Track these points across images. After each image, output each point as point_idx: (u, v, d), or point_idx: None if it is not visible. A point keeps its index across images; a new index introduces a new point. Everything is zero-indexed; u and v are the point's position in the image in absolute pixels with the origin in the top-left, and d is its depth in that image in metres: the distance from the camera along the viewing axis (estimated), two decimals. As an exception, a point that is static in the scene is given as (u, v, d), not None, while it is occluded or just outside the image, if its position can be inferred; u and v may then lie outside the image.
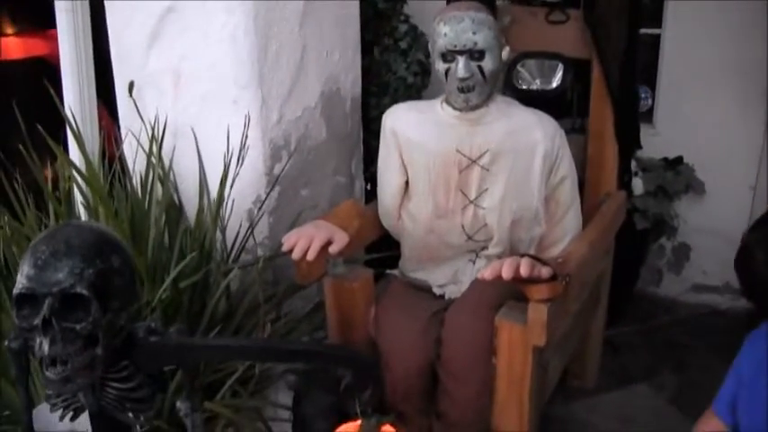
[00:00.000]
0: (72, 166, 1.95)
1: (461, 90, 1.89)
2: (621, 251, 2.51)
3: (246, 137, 1.93)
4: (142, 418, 1.29)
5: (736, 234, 3.04)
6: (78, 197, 2.04)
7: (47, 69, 3.23)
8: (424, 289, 2.15)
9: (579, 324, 2.26)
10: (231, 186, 1.92)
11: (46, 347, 1.11)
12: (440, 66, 1.91)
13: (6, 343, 1.27)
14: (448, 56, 1.88)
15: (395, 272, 2.25)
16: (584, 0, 2.32)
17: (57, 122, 2.22)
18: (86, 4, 2.37)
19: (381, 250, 2.27)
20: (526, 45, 2.47)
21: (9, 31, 3.24)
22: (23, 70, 3.28)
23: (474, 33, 1.84)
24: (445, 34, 1.86)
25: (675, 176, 2.89)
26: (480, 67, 1.88)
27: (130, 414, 1.27)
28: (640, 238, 2.90)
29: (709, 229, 3.04)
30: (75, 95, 2.38)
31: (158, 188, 2.02)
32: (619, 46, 2.26)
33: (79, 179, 2.00)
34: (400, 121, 2.06)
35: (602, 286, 2.48)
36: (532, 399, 1.84)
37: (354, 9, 2.37)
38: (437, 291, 2.14)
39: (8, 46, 3.24)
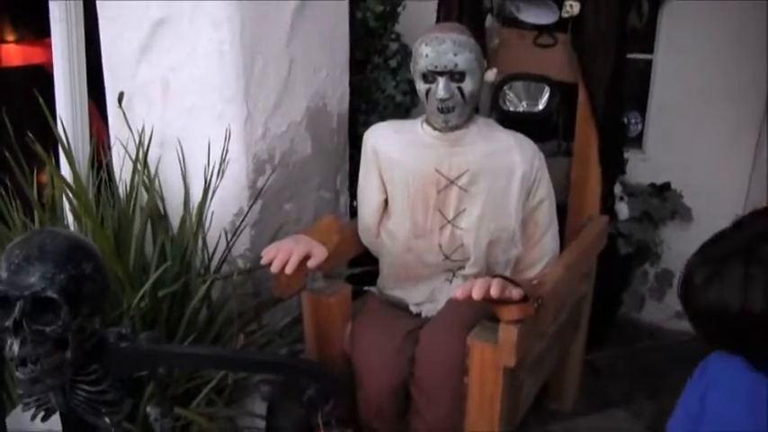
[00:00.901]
0: (62, 180, 1.99)
1: (441, 111, 1.92)
2: (604, 276, 2.53)
3: (227, 150, 1.96)
4: (109, 421, 1.31)
5: (721, 262, 3.09)
6: (67, 205, 2.07)
7: (44, 77, 3.29)
8: (401, 307, 2.17)
9: (556, 346, 2.27)
10: (211, 198, 1.94)
11: (16, 348, 1.14)
12: (420, 86, 1.95)
13: (-21, 344, 1.29)
14: (429, 76, 1.92)
15: (373, 289, 2.27)
16: (572, 24, 2.35)
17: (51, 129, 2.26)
18: (80, 13, 2.41)
19: (364, 266, 2.29)
20: (514, 67, 2.50)
21: (9, 38, 3.28)
22: (22, 77, 3.32)
23: (455, 55, 1.88)
24: (426, 55, 1.89)
25: (662, 202, 2.92)
26: (460, 89, 1.91)
27: (100, 416, 1.30)
28: (624, 264, 2.92)
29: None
30: (67, 104, 2.42)
31: (143, 196, 2.06)
32: (605, 70, 2.29)
33: (67, 190, 2.03)
34: (381, 139, 2.09)
35: (583, 309, 2.50)
36: (503, 419, 1.86)
37: (344, 27, 2.41)
38: (414, 309, 2.16)
39: (8, 53, 3.28)
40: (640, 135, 3.18)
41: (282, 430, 1.88)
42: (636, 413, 2.68)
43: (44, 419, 1.35)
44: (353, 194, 2.60)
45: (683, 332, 3.19)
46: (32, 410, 1.35)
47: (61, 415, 1.34)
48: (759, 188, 3.07)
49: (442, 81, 1.89)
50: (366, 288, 2.27)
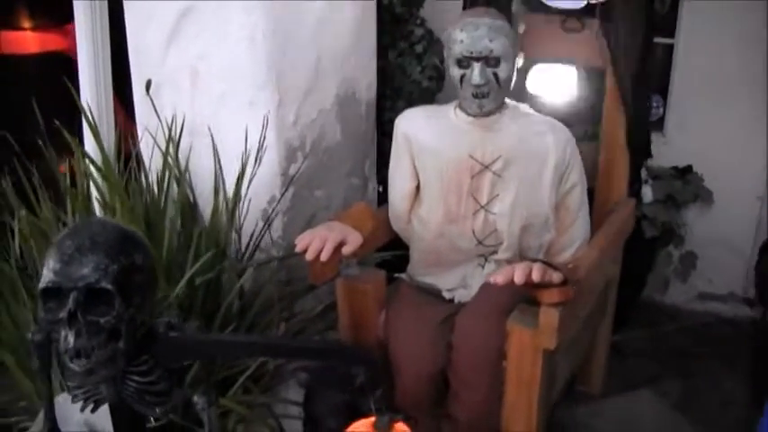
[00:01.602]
0: (87, 158, 1.98)
1: (476, 96, 1.91)
2: (629, 258, 2.53)
3: (264, 137, 1.96)
4: (159, 411, 1.32)
5: (743, 244, 3.10)
6: (94, 192, 2.07)
7: (64, 63, 3.28)
8: (432, 293, 2.18)
9: (587, 329, 2.28)
10: (248, 186, 1.94)
11: (71, 340, 1.14)
12: (455, 72, 1.93)
13: (30, 336, 1.30)
14: (463, 62, 1.90)
15: (403, 275, 2.27)
16: (600, 10, 2.33)
17: (73, 117, 2.26)
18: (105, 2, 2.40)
19: (392, 252, 2.29)
20: (541, 52, 2.48)
21: (26, 25, 3.27)
22: (40, 64, 3.31)
23: (490, 41, 1.87)
24: (461, 41, 1.88)
25: (684, 185, 2.91)
26: (495, 74, 1.90)
27: (150, 406, 1.30)
28: (648, 246, 2.92)
29: (715, 238, 3.07)
30: (92, 91, 2.42)
31: (174, 186, 2.05)
32: (633, 55, 2.28)
33: (95, 173, 2.03)
34: (413, 125, 2.08)
35: (610, 293, 2.49)
36: (541, 402, 1.87)
37: (371, 13, 2.40)
38: (446, 295, 2.16)
39: (25, 40, 3.27)
40: (661, 119, 3.17)
41: (321, 417, 1.89)
42: (663, 394, 2.69)
43: (93, 411, 1.35)
44: (380, 181, 2.60)
45: (706, 313, 3.21)
46: (80, 402, 1.36)
47: (110, 406, 1.34)
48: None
49: (477, 67, 1.88)
50: (396, 275, 2.27)
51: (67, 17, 3.23)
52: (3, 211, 2.03)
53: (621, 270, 2.50)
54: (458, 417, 1.96)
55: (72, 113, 2.24)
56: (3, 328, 1.88)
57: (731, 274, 3.13)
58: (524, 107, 2.08)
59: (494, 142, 1.98)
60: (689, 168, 3.00)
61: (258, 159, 1.95)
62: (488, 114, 1.97)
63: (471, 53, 1.88)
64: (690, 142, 3.04)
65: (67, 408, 1.76)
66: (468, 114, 1.99)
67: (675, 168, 3.00)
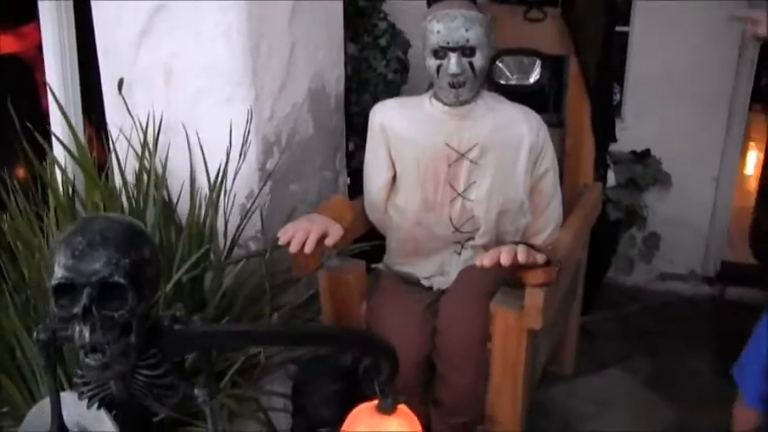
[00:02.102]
0: (72, 156, 1.96)
1: (452, 85, 1.96)
2: (594, 241, 2.60)
3: (249, 131, 1.97)
4: (167, 404, 1.32)
5: (701, 224, 3.22)
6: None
7: (19, 66, 3.22)
8: (411, 282, 2.21)
9: (561, 311, 2.34)
10: (234, 180, 1.95)
11: (87, 335, 1.14)
12: (431, 62, 1.97)
13: (35, 335, 1.29)
14: (440, 52, 1.94)
15: (380, 266, 2.30)
16: (563, -1, 2.40)
17: (32, 121, 2.22)
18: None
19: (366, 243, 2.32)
20: (504, 42, 2.53)
21: (-23, 28, 3.20)
22: (-5, 68, 3.24)
23: (466, 30, 1.91)
24: (438, 31, 1.92)
25: (644, 169, 3.01)
26: (471, 63, 1.94)
27: (159, 400, 1.30)
28: (612, 229, 3.01)
29: (674, 219, 3.18)
30: (61, 92, 2.38)
31: (152, 185, 2.04)
32: (596, 42, 2.35)
33: (70, 173, 2.01)
34: (389, 116, 2.12)
35: (579, 275, 2.57)
36: (526, 382, 1.92)
37: (339, 6, 2.42)
38: (425, 282, 2.20)
39: (-24, 44, 3.20)
40: (619, 104, 3.26)
41: (313, 407, 1.91)
42: (632, 371, 2.79)
43: (99, 407, 1.35)
44: (348, 173, 2.63)
45: (667, 293, 3.32)
46: (86, 400, 1.35)
47: (117, 402, 1.34)
48: (732, 154, 3.19)
49: (453, 57, 1.92)
50: (373, 266, 2.30)
51: (20, 19, 3.19)
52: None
53: (588, 253, 2.58)
54: (445, 401, 2.00)
55: (33, 116, 2.21)
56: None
57: (690, 253, 3.25)
58: (497, 96, 2.13)
59: (470, 131, 2.03)
60: (647, 152, 3.11)
61: (243, 154, 1.96)
62: (464, 103, 2.01)
63: (448, 43, 1.92)
64: (647, 127, 3.14)
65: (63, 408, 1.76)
66: (444, 104, 2.03)
67: (634, 153, 3.10)
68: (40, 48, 3.17)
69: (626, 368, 2.81)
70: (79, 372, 1.32)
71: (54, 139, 2.42)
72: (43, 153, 2.11)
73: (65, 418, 1.42)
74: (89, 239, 1.16)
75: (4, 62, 3.21)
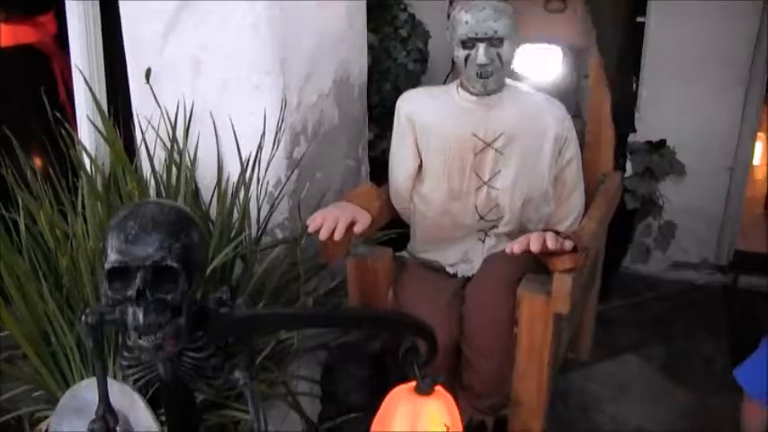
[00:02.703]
0: (109, 144, 1.99)
1: (480, 76, 1.98)
2: (611, 230, 2.63)
3: (282, 119, 1.99)
4: (213, 386, 1.36)
5: (715, 213, 3.25)
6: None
7: (36, 57, 3.24)
8: (436, 269, 2.25)
9: (581, 298, 2.38)
10: (267, 168, 1.98)
11: (141, 317, 1.17)
12: (459, 52, 2.00)
13: (83, 318, 1.32)
14: (468, 43, 1.97)
15: (404, 254, 2.33)
16: (584, -10, 2.42)
17: (47, 113, 2.25)
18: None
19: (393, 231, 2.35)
20: (525, 33, 2.55)
21: (-2, 18, 3.22)
22: (12, 58, 3.26)
23: (494, 21, 1.94)
24: (467, 22, 1.95)
25: (660, 159, 3.04)
26: (499, 54, 1.97)
27: (205, 382, 1.34)
28: (628, 218, 3.04)
29: (688, 208, 3.21)
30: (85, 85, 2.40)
31: (184, 174, 2.08)
32: (617, 33, 2.38)
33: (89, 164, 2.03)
34: (416, 106, 2.14)
35: (598, 263, 2.60)
36: (551, 367, 1.96)
37: (361, -3, 2.45)
38: (449, 270, 2.23)
39: (-1, 34, 3.22)
40: (635, 95, 3.29)
41: (343, 393, 1.95)
42: (648, 357, 2.83)
43: (144, 390, 1.39)
44: (369, 162, 2.66)
45: (680, 281, 3.35)
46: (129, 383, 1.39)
47: (162, 384, 1.38)
48: (746, 144, 3.22)
49: (482, 47, 1.95)
50: (397, 254, 2.33)
51: (37, 9, 3.21)
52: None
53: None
54: (472, 385, 2.04)
55: (52, 105, 2.23)
56: (21, 321, 1.89)
57: (704, 242, 3.29)
58: (523, 86, 2.16)
59: (496, 120, 2.06)
60: (662, 142, 3.13)
61: (276, 142, 1.99)
62: (491, 93, 2.04)
63: (476, 34, 1.95)
64: (662, 117, 3.17)
65: (88, 394, 1.79)
66: (471, 94, 2.06)
67: (649, 143, 3.13)
68: (55, 38, 3.21)
69: (642, 355, 2.85)
70: (126, 354, 1.36)
71: (79, 127, 2.47)
72: (63, 143, 2.15)
73: (91, 405, 1.45)
74: (141, 224, 1.20)
75: (21, 52, 3.24)
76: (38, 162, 2.65)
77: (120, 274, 1.19)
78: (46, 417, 1.91)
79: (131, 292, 1.17)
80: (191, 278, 1.23)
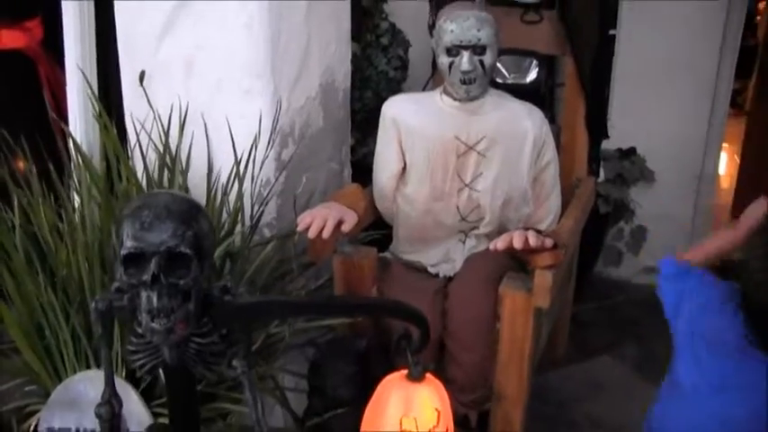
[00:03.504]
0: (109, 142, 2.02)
1: (464, 82, 2.07)
2: (584, 234, 2.73)
3: (277, 120, 2.06)
4: (216, 371, 1.42)
5: (684, 219, 3.37)
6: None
7: (23, 61, 3.26)
8: (418, 269, 2.32)
9: (558, 297, 2.47)
10: (260, 168, 2.04)
11: (155, 300, 1.23)
12: (444, 59, 2.09)
13: (93, 304, 1.37)
14: (453, 50, 2.06)
15: (387, 254, 2.41)
16: (560, 1, 2.52)
17: (36, 115, 2.28)
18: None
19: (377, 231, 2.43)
20: (502, 43, 2.64)
21: (-17, 22, 3.23)
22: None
23: (478, 30, 2.03)
24: (452, 31, 2.04)
25: (631, 165, 3.15)
26: (482, 62, 2.06)
27: (208, 367, 1.40)
28: (600, 222, 3.15)
29: (658, 214, 3.33)
30: (80, 84, 2.44)
31: (176, 175, 2.13)
32: (591, 43, 2.49)
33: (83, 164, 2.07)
34: (401, 110, 2.23)
35: (573, 264, 2.70)
36: (531, 361, 2.04)
37: (347, 3, 2.52)
38: (431, 270, 2.31)
39: (-21, 39, 3.23)
40: (607, 102, 3.40)
41: (330, 389, 2.00)
42: (621, 358, 2.93)
43: (150, 373, 1.44)
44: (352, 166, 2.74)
45: (651, 285, 3.44)
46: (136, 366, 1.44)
47: (166, 369, 1.43)
48: (712, 154, 3.36)
49: (466, 55, 2.04)
50: (380, 254, 2.40)
51: (25, 14, 3.23)
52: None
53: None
54: (455, 379, 2.11)
55: (39, 111, 2.27)
56: (16, 314, 1.92)
57: (674, 247, 3.38)
58: (503, 93, 2.25)
59: (478, 124, 2.15)
60: (632, 150, 3.25)
61: (271, 142, 2.05)
62: (473, 99, 2.13)
63: (461, 42, 2.04)
64: (632, 125, 3.28)
65: (80, 388, 1.83)
66: (455, 99, 2.15)
67: (620, 150, 3.25)
68: (42, 43, 3.23)
69: (615, 355, 2.96)
70: (133, 340, 1.41)
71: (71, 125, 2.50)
72: (49, 146, 2.19)
73: (93, 395, 1.50)
74: (156, 212, 1.26)
75: (7, 57, 3.26)
76: (32, 161, 2.68)
77: (135, 259, 1.25)
78: (36, 411, 1.94)
79: (146, 277, 1.23)
80: (201, 264, 1.29)
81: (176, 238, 1.24)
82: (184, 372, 1.43)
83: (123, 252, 1.24)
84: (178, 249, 1.24)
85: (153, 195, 1.31)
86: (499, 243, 1.88)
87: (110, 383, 1.45)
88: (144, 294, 1.24)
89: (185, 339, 1.37)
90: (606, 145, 3.22)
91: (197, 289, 1.30)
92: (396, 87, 2.89)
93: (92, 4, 2.43)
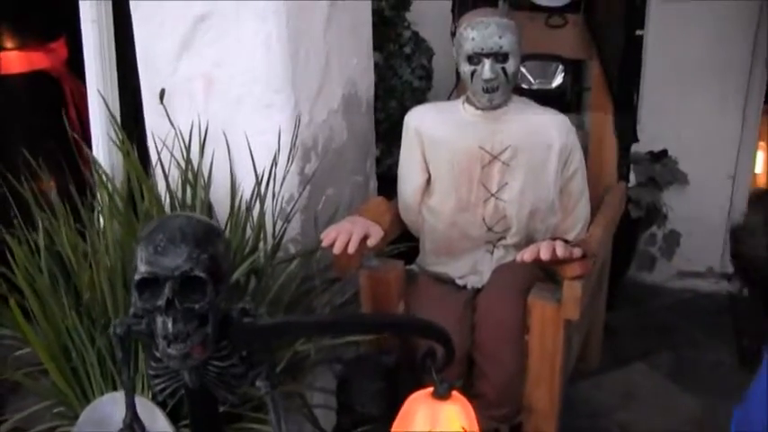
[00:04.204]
0: (131, 163, 2.03)
1: (486, 90, 2.04)
2: (616, 240, 2.68)
3: (296, 136, 2.04)
4: (238, 393, 1.40)
5: (718, 221, 3.30)
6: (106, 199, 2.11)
7: (49, 82, 3.31)
8: (446, 281, 2.29)
9: (589, 306, 2.42)
10: (282, 184, 2.03)
11: (170, 326, 1.22)
12: (466, 68, 2.05)
13: (112, 329, 1.36)
14: (474, 58, 2.02)
15: (414, 267, 2.38)
16: (585, 4, 2.48)
17: (60, 135, 2.30)
18: (110, 12, 2.45)
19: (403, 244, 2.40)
20: (527, 48, 2.60)
21: (9, 45, 3.28)
22: (25, 84, 3.32)
23: (500, 37, 2.00)
24: (473, 38, 2.00)
25: (663, 168, 3.09)
26: (504, 69, 2.03)
27: (230, 389, 1.38)
28: (632, 227, 3.09)
29: (691, 217, 3.26)
30: (102, 107, 2.45)
31: (199, 193, 2.13)
32: (617, 46, 2.44)
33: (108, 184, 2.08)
34: (424, 120, 2.20)
35: (604, 272, 2.65)
36: (562, 374, 1.99)
37: (368, 14, 2.50)
38: (459, 282, 2.27)
39: (9, 60, 3.28)
40: (635, 106, 3.34)
41: (359, 405, 1.98)
42: (655, 366, 2.87)
43: (171, 398, 1.43)
44: (377, 178, 2.71)
45: (687, 290, 3.40)
46: (156, 390, 1.43)
47: (187, 392, 1.42)
48: (747, 153, 3.28)
49: (487, 62, 2.00)
50: (407, 267, 2.37)
51: (50, 36, 3.28)
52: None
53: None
54: (485, 394, 2.07)
55: (61, 130, 2.28)
56: (43, 337, 1.93)
57: (708, 250, 3.33)
58: (527, 100, 2.21)
59: (502, 133, 2.11)
60: (664, 152, 3.19)
61: (291, 158, 2.04)
62: (497, 107, 2.09)
63: (482, 50, 2.00)
64: (663, 127, 3.22)
65: (108, 409, 1.83)
66: (477, 108, 2.11)
67: (651, 153, 3.18)
68: (66, 63, 3.28)
69: (649, 363, 2.89)
70: (153, 364, 1.40)
71: (94, 148, 2.52)
72: (74, 166, 2.20)
73: (119, 416, 1.49)
74: (170, 236, 1.24)
75: (35, 78, 3.30)
76: (55, 183, 2.70)
77: (149, 284, 1.24)
78: (66, 433, 1.95)
79: (161, 302, 1.22)
80: (217, 288, 1.27)
81: (191, 262, 1.23)
82: (206, 394, 1.42)
83: (137, 277, 1.23)
84: (193, 273, 1.23)
85: (168, 218, 1.30)
86: (526, 255, 1.84)
87: (131, 407, 1.44)
88: (159, 320, 1.23)
89: (204, 362, 1.36)
90: (637, 148, 3.16)
91: (214, 312, 1.28)
92: (420, 97, 2.87)
93: (110, 24, 2.44)
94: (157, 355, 1.31)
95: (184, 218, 1.29)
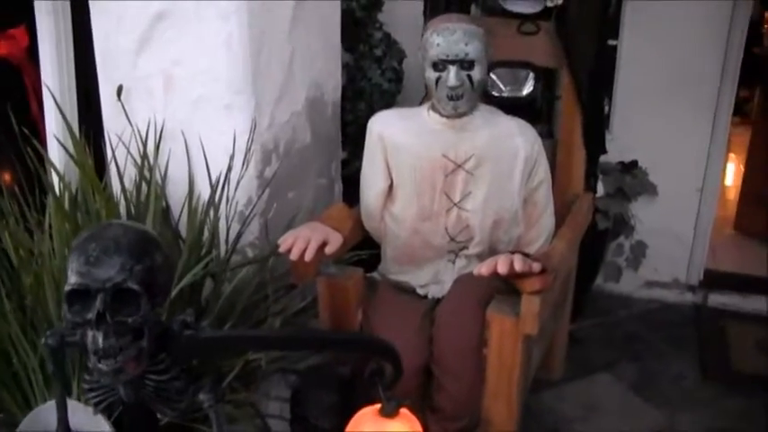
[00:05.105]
0: (74, 160, 1.97)
1: (451, 98, 1.99)
2: (583, 250, 2.65)
3: (252, 140, 1.99)
4: (176, 408, 1.35)
5: (685, 233, 3.28)
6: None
7: (7, 70, 3.21)
8: (407, 290, 2.24)
9: (552, 318, 2.39)
10: (236, 188, 1.97)
11: (100, 340, 1.16)
12: (431, 74, 2.00)
13: (44, 340, 1.30)
14: (439, 65, 1.98)
15: (375, 274, 2.33)
16: (556, 13, 2.44)
17: (21, 125, 2.23)
18: (67, 6, 2.38)
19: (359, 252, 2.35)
20: (498, 54, 2.56)
21: (-36, 32, 3.19)
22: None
23: (466, 44, 1.95)
24: (438, 44, 1.96)
25: (632, 179, 3.07)
26: (470, 77, 1.98)
27: (168, 404, 1.33)
28: (599, 238, 3.06)
29: (659, 228, 3.25)
30: (58, 95, 2.39)
31: (153, 191, 2.06)
32: (588, 55, 2.40)
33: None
34: (387, 126, 2.15)
35: (569, 283, 2.62)
36: (520, 387, 1.96)
37: (336, 16, 2.45)
38: (420, 291, 2.23)
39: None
40: (607, 116, 3.32)
41: (313, 417, 1.94)
42: (619, 377, 2.85)
43: (107, 413, 1.37)
44: (343, 181, 2.66)
45: (653, 300, 3.39)
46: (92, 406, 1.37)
47: (125, 406, 1.36)
48: (715, 165, 3.27)
49: (452, 69, 1.96)
50: (369, 275, 2.32)
51: (8, 22, 3.19)
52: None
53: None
54: (443, 407, 2.03)
55: (21, 118, 2.21)
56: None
57: (675, 261, 3.32)
58: (494, 109, 2.17)
59: (466, 142, 2.06)
60: (634, 163, 3.17)
61: (246, 162, 1.98)
62: (461, 115, 2.04)
63: (447, 56, 1.95)
64: (634, 138, 3.20)
65: (50, 418, 1.77)
66: (442, 115, 2.06)
67: (621, 163, 3.16)
68: (27, 51, 3.19)
69: (613, 373, 2.87)
70: (87, 377, 1.34)
71: (49, 143, 2.45)
72: (31, 160, 2.13)
73: (53, 425, 1.43)
74: (103, 246, 1.18)
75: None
76: (6, 178, 2.62)
77: (80, 296, 1.18)
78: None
79: (91, 316, 1.16)
80: (153, 301, 1.22)
81: (124, 273, 1.17)
82: (144, 409, 1.36)
83: (67, 288, 1.17)
84: (125, 285, 1.17)
85: (103, 228, 1.24)
86: (483, 268, 1.79)
87: (62, 421, 1.38)
88: (90, 334, 1.17)
89: (141, 376, 1.30)
90: (607, 158, 3.13)
91: (149, 326, 1.23)
92: (390, 100, 2.82)
93: (68, 16, 2.37)
94: (91, 367, 1.26)
95: (120, 227, 1.24)
